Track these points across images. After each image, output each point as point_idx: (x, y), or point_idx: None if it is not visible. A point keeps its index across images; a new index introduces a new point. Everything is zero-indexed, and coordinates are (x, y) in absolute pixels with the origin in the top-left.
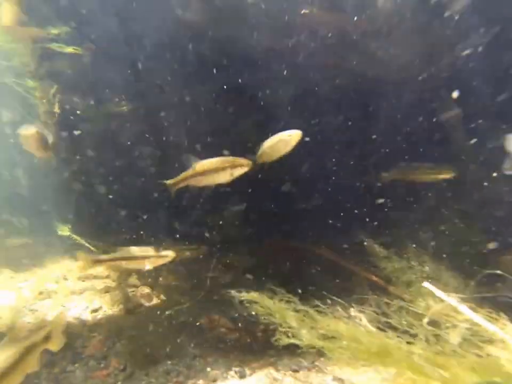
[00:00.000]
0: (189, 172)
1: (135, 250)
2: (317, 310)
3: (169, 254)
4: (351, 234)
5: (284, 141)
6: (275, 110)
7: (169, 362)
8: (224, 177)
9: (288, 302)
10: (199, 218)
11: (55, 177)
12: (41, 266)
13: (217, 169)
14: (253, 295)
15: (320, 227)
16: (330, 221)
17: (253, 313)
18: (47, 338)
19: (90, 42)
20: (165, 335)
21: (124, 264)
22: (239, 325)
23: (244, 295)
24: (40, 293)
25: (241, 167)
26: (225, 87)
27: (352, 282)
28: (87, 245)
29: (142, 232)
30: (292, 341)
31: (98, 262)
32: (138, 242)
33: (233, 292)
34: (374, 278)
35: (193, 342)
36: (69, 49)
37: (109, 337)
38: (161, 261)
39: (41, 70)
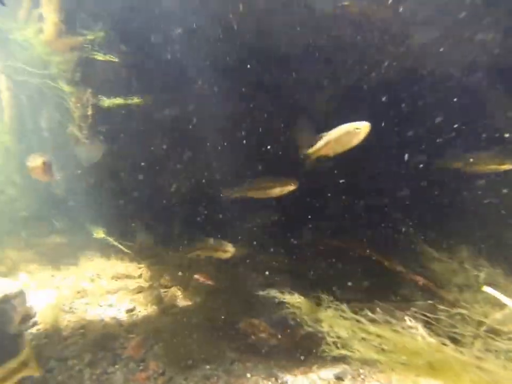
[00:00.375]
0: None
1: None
2: (368, 319)
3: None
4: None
5: (351, 134)
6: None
7: (207, 366)
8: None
9: (336, 308)
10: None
11: (90, 178)
12: (77, 265)
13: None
14: (297, 300)
15: (366, 226)
16: (378, 220)
17: (297, 319)
18: (24, 364)
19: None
20: (202, 338)
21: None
22: (280, 329)
23: (287, 298)
24: (78, 292)
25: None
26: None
27: (400, 285)
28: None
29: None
30: (343, 352)
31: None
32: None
33: (274, 294)
34: (425, 281)
35: (231, 346)
36: (103, 57)
37: (146, 338)
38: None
39: (77, 76)
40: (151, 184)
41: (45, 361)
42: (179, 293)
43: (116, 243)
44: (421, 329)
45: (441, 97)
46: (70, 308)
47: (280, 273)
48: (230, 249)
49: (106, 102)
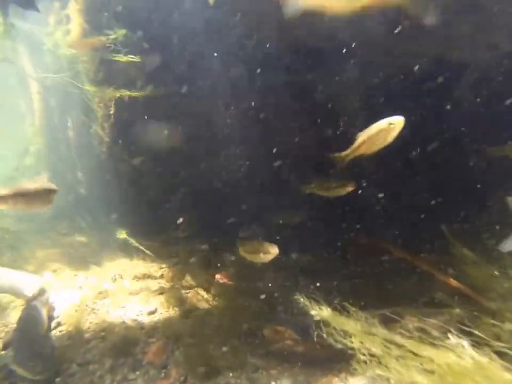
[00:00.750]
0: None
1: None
2: (403, 335)
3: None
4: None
5: (386, 130)
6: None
7: (230, 374)
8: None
9: (366, 321)
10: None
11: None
12: (99, 265)
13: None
14: (325, 313)
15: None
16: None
17: (323, 334)
18: None
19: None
20: (225, 343)
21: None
22: (307, 337)
23: (313, 306)
24: (100, 293)
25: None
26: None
27: (433, 290)
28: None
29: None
30: (378, 372)
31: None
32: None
33: (300, 300)
34: (462, 287)
35: (255, 353)
36: (124, 59)
37: (167, 343)
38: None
39: (100, 75)
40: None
41: (68, 365)
42: (202, 294)
43: (136, 244)
44: (467, 347)
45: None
46: (92, 309)
47: (308, 276)
48: (272, 251)
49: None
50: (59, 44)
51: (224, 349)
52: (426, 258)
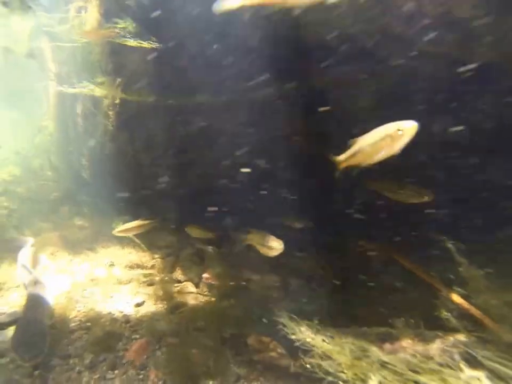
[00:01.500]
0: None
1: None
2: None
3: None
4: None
5: (392, 137)
6: None
7: (210, 382)
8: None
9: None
10: None
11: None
12: (94, 251)
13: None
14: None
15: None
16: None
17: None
18: None
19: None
20: (207, 346)
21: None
22: (292, 351)
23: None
24: (92, 280)
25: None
26: None
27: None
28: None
29: None
30: None
31: None
32: None
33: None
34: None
35: (237, 360)
36: (133, 43)
37: (150, 341)
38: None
39: (109, 66)
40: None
41: (49, 357)
42: (191, 290)
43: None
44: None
45: None
46: (82, 297)
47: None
48: (276, 247)
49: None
50: (74, 33)
51: (207, 352)
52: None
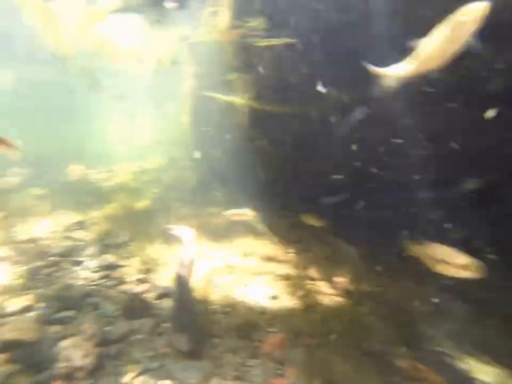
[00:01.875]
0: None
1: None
2: None
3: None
4: None
5: (460, 23)
6: None
7: None
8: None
9: None
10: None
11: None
12: (229, 239)
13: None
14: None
15: None
16: None
17: None
18: None
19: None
20: (346, 354)
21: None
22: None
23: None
24: (228, 267)
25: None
26: None
27: None
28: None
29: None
30: None
31: None
32: None
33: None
34: None
35: (386, 382)
36: (265, 41)
37: (286, 338)
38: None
39: (241, 63)
40: None
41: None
42: (325, 290)
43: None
44: None
45: None
46: (220, 282)
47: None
48: (471, 266)
49: None
50: (208, 35)
51: (347, 362)
52: None
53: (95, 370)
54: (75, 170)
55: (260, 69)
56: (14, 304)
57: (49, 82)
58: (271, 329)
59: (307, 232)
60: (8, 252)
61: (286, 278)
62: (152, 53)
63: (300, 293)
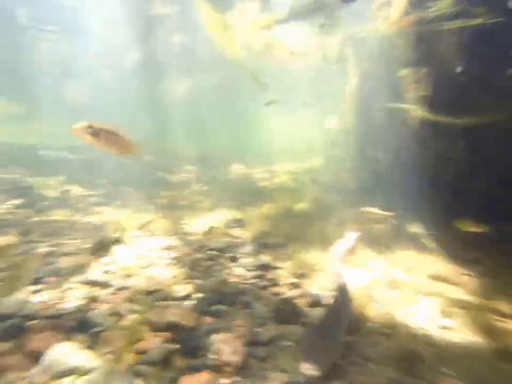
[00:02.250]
0: None
1: None
2: None
3: None
4: None
5: None
6: None
7: None
8: None
9: None
10: None
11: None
12: (390, 249)
13: None
14: None
15: None
16: None
17: None
18: None
19: None
20: None
21: None
22: None
23: None
24: (390, 281)
25: None
26: None
27: None
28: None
29: None
30: None
31: None
32: None
33: None
34: None
35: None
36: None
37: None
38: None
39: (415, 55)
40: None
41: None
42: None
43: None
44: None
45: None
46: (379, 297)
47: None
48: None
49: None
50: (376, 29)
51: None
52: None
53: (242, 369)
54: (237, 170)
55: (440, 62)
56: (178, 290)
57: (221, 88)
58: (444, 370)
59: (485, 250)
60: (176, 241)
61: (462, 305)
62: (316, 53)
63: (484, 329)
